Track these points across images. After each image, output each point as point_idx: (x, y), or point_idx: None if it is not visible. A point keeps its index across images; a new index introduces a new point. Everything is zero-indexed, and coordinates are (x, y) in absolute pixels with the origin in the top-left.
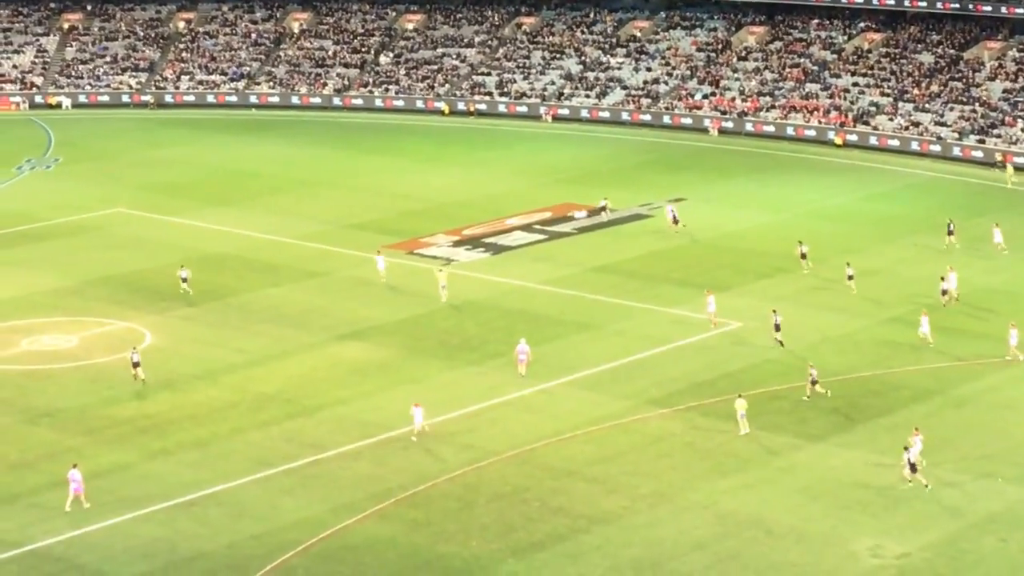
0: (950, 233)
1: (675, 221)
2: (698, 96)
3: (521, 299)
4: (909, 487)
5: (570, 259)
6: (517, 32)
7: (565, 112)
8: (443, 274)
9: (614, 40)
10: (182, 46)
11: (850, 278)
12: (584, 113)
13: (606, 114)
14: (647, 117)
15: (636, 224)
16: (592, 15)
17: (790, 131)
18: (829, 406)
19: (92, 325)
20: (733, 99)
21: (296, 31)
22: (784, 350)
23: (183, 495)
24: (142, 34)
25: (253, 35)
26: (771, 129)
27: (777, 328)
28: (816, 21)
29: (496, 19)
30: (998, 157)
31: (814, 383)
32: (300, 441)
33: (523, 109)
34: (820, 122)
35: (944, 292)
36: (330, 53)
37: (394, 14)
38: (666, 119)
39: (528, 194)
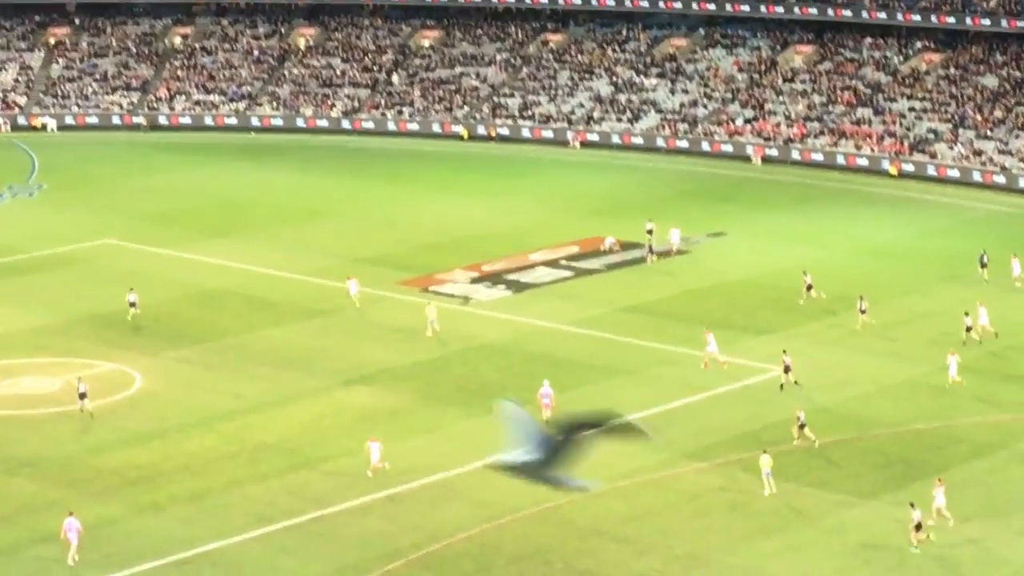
0: (983, 265)
1: (658, 254)
2: (740, 121)
3: (545, 341)
4: (916, 551)
5: (599, 298)
6: (542, 50)
7: (594, 137)
8: (432, 308)
9: (648, 59)
10: (178, 63)
11: (862, 312)
12: (615, 139)
13: (639, 140)
14: (684, 144)
15: (671, 261)
16: (625, 32)
17: (840, 160)
18: (881, 461)
19: (77, 367)
20: (778, 124)
21: (302, 48)
22: (840, 399)
23: (175, 553)
24: (134, 50)
25: (255, 52)
26: (819, 158)
27: (787, 370)
28: (869, 40)
29: (520, 35)
30: None
31: (802, 427)
32: (303, 495)
33: (549, 134)
34: (873, 150)
35: (969, 329)
36: (339, 72)
37: (409, 30)
38: (704, 146)
39: (554, 227)
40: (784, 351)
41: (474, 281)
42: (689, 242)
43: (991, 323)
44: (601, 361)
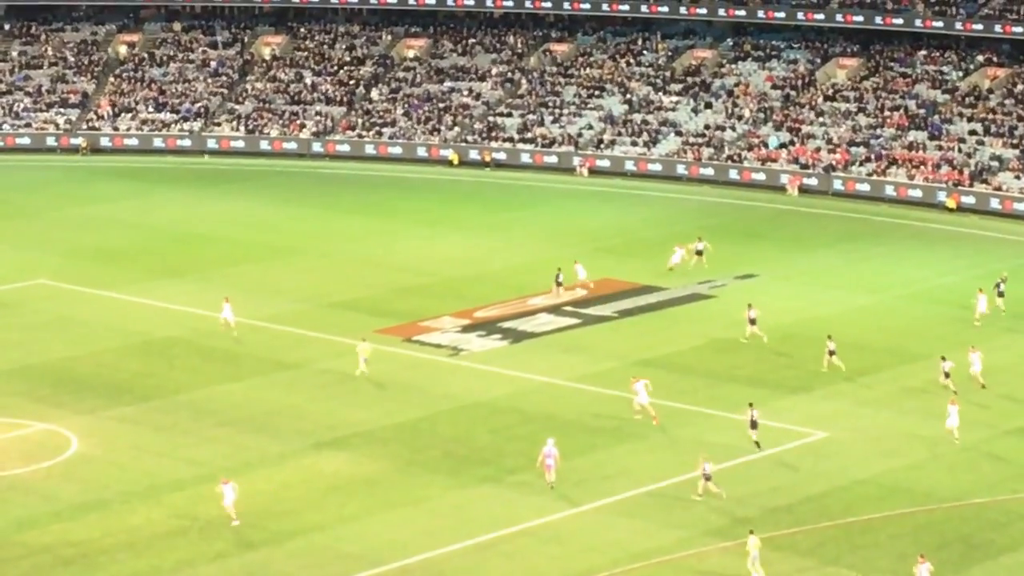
0: (1000, 294)
1: (561, 284)
2: (773, 145)
3: (547, 400)
4: None
5: (609, 350)
6: (545, 62)
7: (605, 164)
8: (366, 346)
9: (668, 73)
10: (123, 76)
11: (946, 375)
12: (629, 165)
13: (657, 167)
14: (708, 171)
15: (693, 306)
16: (641, 42)
17: (889, 191)
18: (937, 541)
19: (4, 427)
20: (817, 150)
21: (266, 58)
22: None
23: None
24: (73, 60)
25: (213, 63)
26: (865, 188)
27: (753, 426)
28: (923, 53)
29: (519, 45)
30: None
31: (707, 479)
32: None
33: (552, 159)
34: (928, 180)
35: (947, 375)
36: (309, 86)
37: (390, 38)
38: (732, 174)
39: (557, 267)
40: (750, 404)
41: (465, 329)
42: (713, 285)
43: (982, 373)
44: (611, 423)
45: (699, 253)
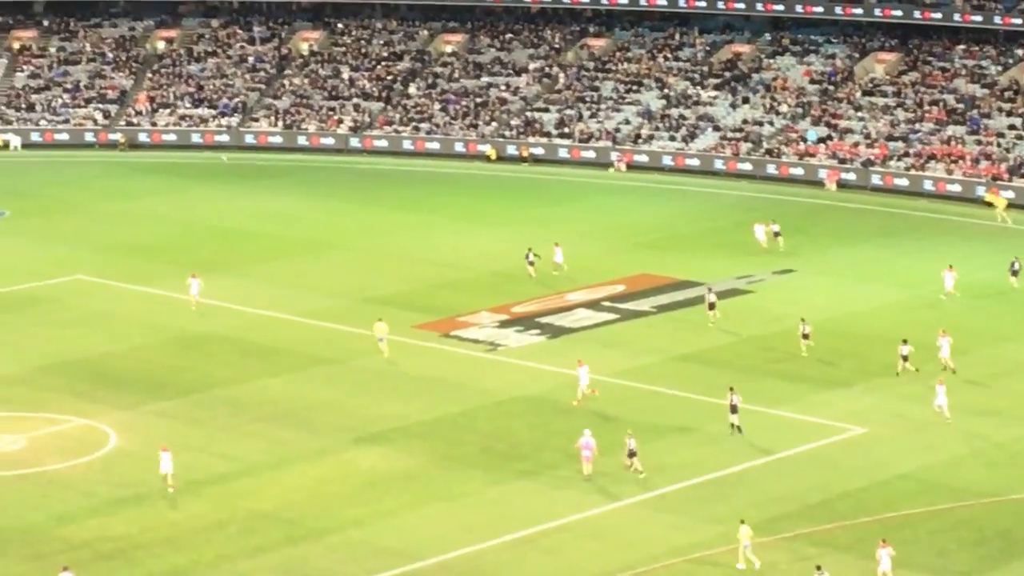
0: (1014, 273)
1: (532, 264)
2: (811, 140)
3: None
4: None
5: (648, 345)
6: (583, 57)
7: (643, 159)
8: (381, 326)
9: (706, 68)
10: (161, 72)
11: (805, 336)
12: (667, 160)
13: (694, 162)
14: (746, 166)
15: (731, 301)
16: (678, 37)
17: (928, 185)
18: (975, 537)
19: (43, 423)
20: (856, 145)
21: (304, 53)
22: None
23: None
24: (111, 56)
25: (251, 59)
26: (904, 183)
27: (733, 410)
28: (962, 47)
29: (556, 40)
30: None
31: (632, 455)
32: (302, 572)
33: (590, 154)
34: (966, 174)
35: (905, 358)
36: (347, 81)
37: (427, 34)
38: (770, 169)
39: (595, 262)
40: (731, 388)
41: (503, 325)
42: (751, 280)
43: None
44: (650, 418)
45: (777, 234)
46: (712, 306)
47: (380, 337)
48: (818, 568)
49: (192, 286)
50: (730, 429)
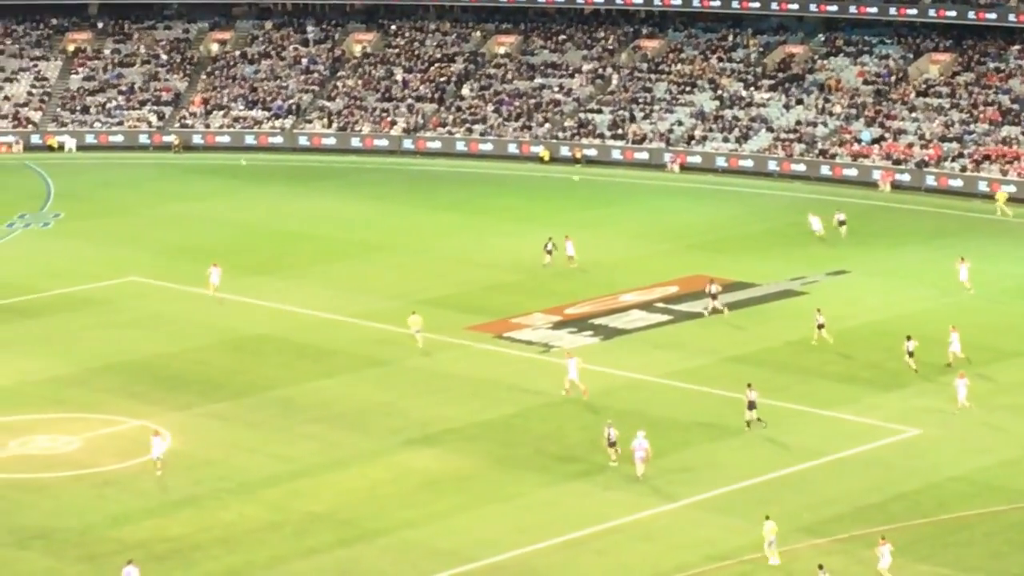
0: None
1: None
2: (865, 141)
3: (638, 396)
4: None
5: (701, 346)
6: (636, 58)
7: (696, 160)
8: (416, 319)
9: (759, 69)
10: (215, 74)
11: (910, 355)
12: (720, 161)
13: (748, 163)
14: (800, 167)
15: (785, 303)
16: (732, 38)
17: (983, 187)
18: None
19: (98, 424)
20: (910, 145)
21: (357, 55)
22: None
23: None
24: (165, 59)
25: (304, 60)
26: (958, 184)
27: (751, 406)
28: (1017, 47)
29: (610, 42)
30: None
31: (611, 445)
32: (356, 574)
33: (643, 156)
34: (1021, 175)
35: (910, 354)
36: (400, 83)
37: (481, 35)
38: (824, 170)
39: (648, 264)
40: (749, 385)
41: (556, 326)
42: (805, 282)
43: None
44: (703, 419)
45: (842, 223)
46: (715, 296)
47: (416, 330)
48: (820, 567)
49: (212, 275)
50: (746, 426)
